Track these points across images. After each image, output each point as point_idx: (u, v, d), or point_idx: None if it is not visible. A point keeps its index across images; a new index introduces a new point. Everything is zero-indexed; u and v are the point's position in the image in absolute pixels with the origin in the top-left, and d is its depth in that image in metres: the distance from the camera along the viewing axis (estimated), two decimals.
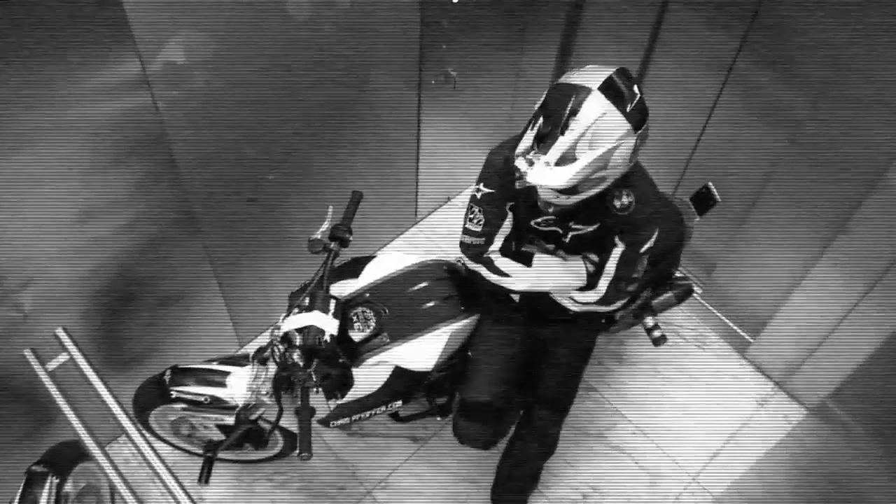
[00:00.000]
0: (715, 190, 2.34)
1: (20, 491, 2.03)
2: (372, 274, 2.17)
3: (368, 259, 2.22)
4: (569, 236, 1.97)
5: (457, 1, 2.68)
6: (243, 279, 2.78)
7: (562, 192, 1.72)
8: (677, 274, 2.45)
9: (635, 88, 1.66)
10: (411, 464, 2.80)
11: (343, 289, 2.13)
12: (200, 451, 2.25)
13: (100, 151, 1.99)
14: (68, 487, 2.13)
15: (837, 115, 2.33)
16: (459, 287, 2.20)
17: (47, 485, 2.04)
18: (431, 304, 2.12)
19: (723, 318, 3.14)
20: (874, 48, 2.16)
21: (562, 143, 1.62)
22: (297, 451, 1.74)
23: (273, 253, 2.77)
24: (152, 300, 2.53)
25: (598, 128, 1.61)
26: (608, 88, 1.62)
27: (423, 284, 2.15)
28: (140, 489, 1.94)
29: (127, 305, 2.44)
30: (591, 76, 1.65)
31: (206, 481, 2.07)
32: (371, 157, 2.88)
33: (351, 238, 2.07)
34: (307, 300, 1.93)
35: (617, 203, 1.84)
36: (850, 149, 2.35)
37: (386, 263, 2.19)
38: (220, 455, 2.27)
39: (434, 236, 3.46)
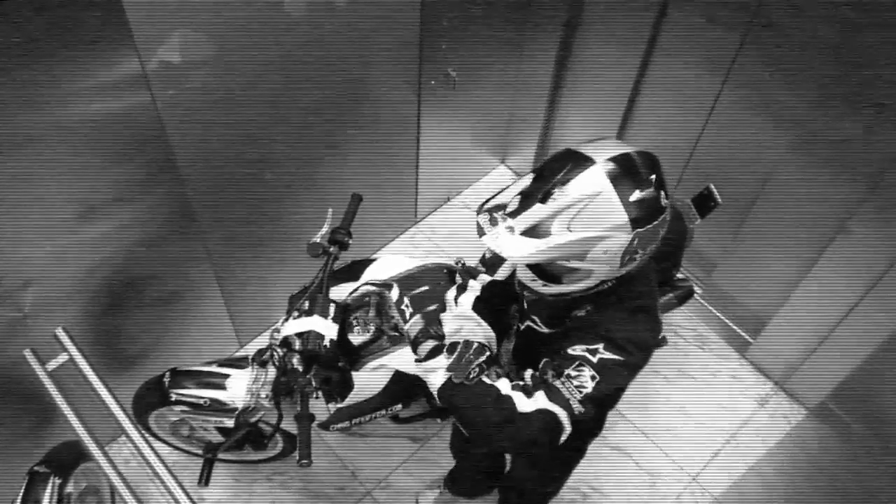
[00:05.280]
0: (716, 191, 2.34)
1: (22, 491, 2.03)
2: (372, 277, 2.16)
3: (368, 262, 2.22)
4: (524, 326, 1.71)
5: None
6: (243, 279, 2.78)
7: (541, 276, 1.50)
8: (678, 275, 2.44)
9: (652, 179, 1.37)
10: (411, 464, 2.80)
11: (343, 292, 2.12)
12: (200, 452, 2.24)
13: (99, 151, 1.99)
14: (70, 488, 2.13)
15: (837, 115, 2.33)
16: None
17: (49, 485, 2.05)
18: (432, 307, 2.12)
19: (723, 318, 3.14)
20: (874, 48, 2.16)
21: (536, 212, 1.35)
22: (297, 459, 1.73)
23: (273, 253, 2.77)
24: (152, 300, 2.53)
25: (587, 208, 1.33)
26: (616, 167, 1.35)
27: (424, 288, 2.14)
28: (140, 489, 1.94)
29: (127, 305, 2.44)
30: (604, 149, 1.39)
31: (206, 483, 2.07)
32: (371, 156, 2.88)
33: (350, 241, 2.06)
34: (307, 304, 1.93)
35: (574, 313, 1.55)
36: (850, 149, 2.35)
37: (386, 267, 2.19)
38: (220, 456, 2.27)
39: (434, 236, 3.46)
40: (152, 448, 1.94)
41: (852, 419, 2.20)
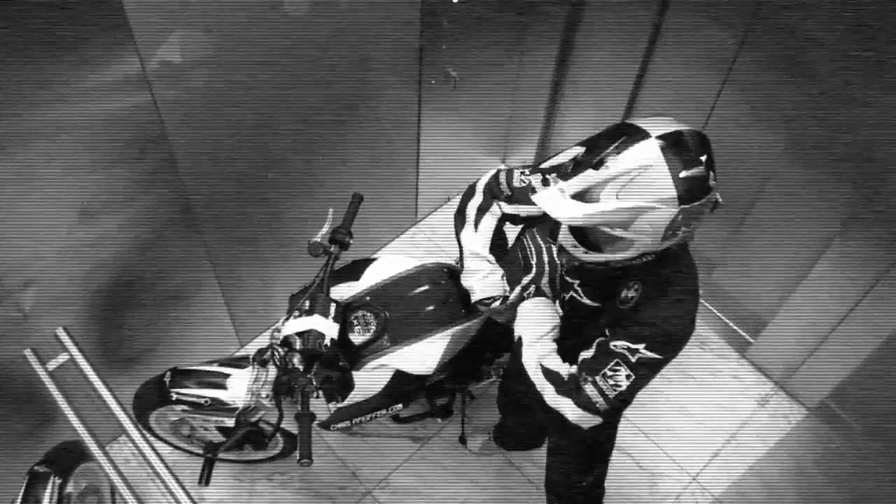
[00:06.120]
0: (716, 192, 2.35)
1: (22, 491, 2.03)
2: (372, 277, 2.16)
3: (369, 261, 2.22)
4: (568, 296, 1.75)
5: (457, 0, 2.68)
6: (243, 279, 2.78)
7: (581, 241, 1.55)
8: None
9: (702, 159, 1.40)
10: (411, 464, 2.81)
11: (343, 292, 2.12)
12: (201, 452, 2.25)
13: (100, 151, 1.99)
14: (70, 488, 2.13)
15: (837, 115, 2.33)
16: (460, 290, 2.19)
17: (49, 485, 2.04)
18: (432, 307, 2.12)
19: (723, 318, 3.15)
20: (874, 48, 2.16)
21: (588, 178, 1.41)
22: (298, 458, 1.74)
23: (273, 252, 2.77)
24: (152, 300, 2.53)
25: (637, 179, 1.38)
26: (669, 143, 1.39)
27: (424, 287, 2.15)
28: (140, 489, 1.94)
29: (127, 305, 2.44)
30: (658, 124, 1.42)
31: (207, 482, 2.07)
32: (371, 157, 2.88)
33: (351, 241, 2.07)
34: (307, 303, 1.93)
35: (622, 293, 1.60)
36: (850, 149, 2.35)
37: (386, 266, 2.19)
38: (221, 455, 2.28)
39: (434, 237, 3.46)
40: (153, 448, 1.94)
41: (852, 419, 2.21)
